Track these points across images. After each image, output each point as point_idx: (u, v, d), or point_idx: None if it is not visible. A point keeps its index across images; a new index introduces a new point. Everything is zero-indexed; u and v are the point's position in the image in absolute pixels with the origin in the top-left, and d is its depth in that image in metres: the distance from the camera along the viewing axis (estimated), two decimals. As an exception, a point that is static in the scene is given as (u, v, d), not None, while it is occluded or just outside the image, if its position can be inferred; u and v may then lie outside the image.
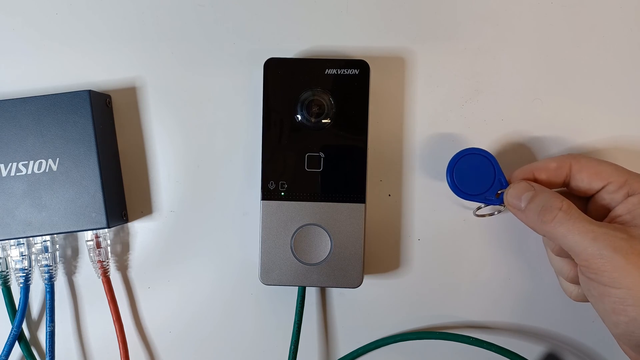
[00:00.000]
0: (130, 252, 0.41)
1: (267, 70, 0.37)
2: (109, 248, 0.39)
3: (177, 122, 0.40)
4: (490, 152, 0.36)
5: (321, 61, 0.37)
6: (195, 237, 0.40)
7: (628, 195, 0.32)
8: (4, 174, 0.37)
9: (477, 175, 0.36)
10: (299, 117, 0.37)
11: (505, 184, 0.35)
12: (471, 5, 0.39)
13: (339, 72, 0.37)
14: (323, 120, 0.37)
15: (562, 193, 0.35)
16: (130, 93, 0.40)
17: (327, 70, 0.37)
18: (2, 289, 0.39)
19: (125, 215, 0.40)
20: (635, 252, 0.29)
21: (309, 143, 0.37)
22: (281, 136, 0.37)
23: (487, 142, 0.39)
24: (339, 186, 0.37)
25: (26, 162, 0.37)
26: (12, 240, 0.38)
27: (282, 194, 0.37)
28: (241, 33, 0.39)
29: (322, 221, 0.37)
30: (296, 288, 0.39)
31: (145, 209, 0.40)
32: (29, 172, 0.37)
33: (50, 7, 0.39)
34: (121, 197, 0.40)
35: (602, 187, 0.33)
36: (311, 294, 0.41)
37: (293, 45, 0.39)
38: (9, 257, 0.39)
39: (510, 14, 0.39)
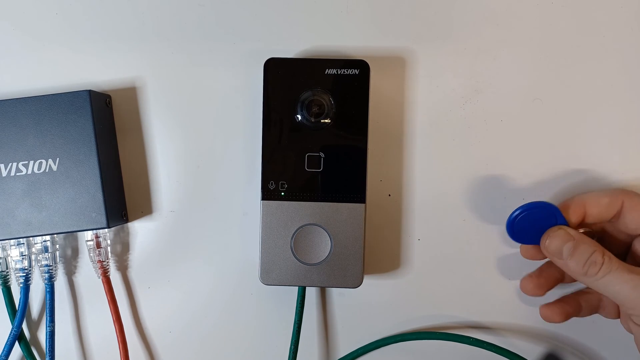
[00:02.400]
0: (130, 252, 0.41)
1: (267, 70, 0.37)
2: (109, 248, 0.39)
3: (177, 122, 0.40)
4: (551, 203, 0.35)
5: (321, 61, 0.37)
6: (195, 237, 0.40)
7: None
8: (4, 174, 0.37)
9: (539, 226, 0.35)
10: (299, 117, 0.37)
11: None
12: (471, 5, 0.39)
13: (339, 72, 0.37)
14: (323, 120, 0.37)
15: (604, 230, 0.36)
16: (130, 93, 0.40)
17: (327, 70, 0.37)
18: (2, 289, 0.39)
19: (125, 215, 0.40)
20: None
21: (309, 143, 0.37)
22: (281, 136, 0.37)
23: (487, 142, 0.39)
24: (339, 186, 0.37)
25: (26, 162, 0.37)
26: (12, 240, 0.38)
27: (282, 194, 0.37)
28: (241, 33, 0.39)
29: (322, 221, 0.37)
30: (296, 288, 0.39)
31: (145, 209, 0.40)
32: (29, 172, 0.37)
33: (50, 7, 0.39)
34: (121, 197, 0.40)
35: None
36: (311, 294, 0.41)
37: (293, 45, 0.39)
38: (9, 257, 0.39)
39: (510, 14, 0.39)
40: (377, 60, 0.38)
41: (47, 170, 0.37)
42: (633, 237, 0.35)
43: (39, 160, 0.37)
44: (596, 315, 0.39)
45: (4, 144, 0.37)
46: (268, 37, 0.39)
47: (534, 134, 0.39)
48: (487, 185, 0.39)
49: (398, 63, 0.39)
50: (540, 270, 0.38)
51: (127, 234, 0.41)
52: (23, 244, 0.39)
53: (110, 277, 0.39)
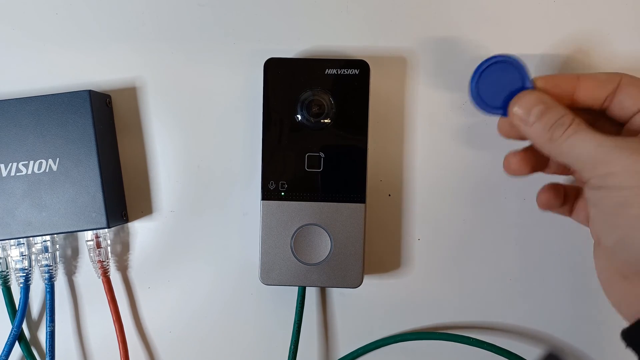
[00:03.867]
0: (130, 252, 0.41)
1: (267, 70, 0.37)
2: (109, 248, 0.39)
3: (177, 122, 0.40)
4: (517, 58, 0.33)
5: (321, 61, 0.37)
6: (195, 237, 0.40)
7: None
8: (4, 174, 0.37)
9: (503, 86, 0.32)
10: (299, 117, 0.37)
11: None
12: (471, 5, 0.39)
13: (339, 72, 0.37)
14: (323, 120, 0.37)
15: (592, 122, 0.32)
16: (130, 93, 0.40)
17: (327, 70, 0.37)
18: (2, 289, 0.39)
19: (125, 215, 0.40)
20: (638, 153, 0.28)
21: (309, 143, 0.37)
22: (281, 136, 0.37)
23: (487, 142, 0.39)
24: (339, 186, 0.37)
25: (26, 162, 0.37)
26: (12, 240, 0.38)
27: (282, 194, 0.37)
28: (241, 33, 0.39)
29: (322, 221, 0.37)
30: (296, 288, 0.39)
31: (145, 209, 0.40)
32: (29, 172, 0.37)
33: (50, 7, 0.39)
34: (121, 197, 0.40)
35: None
36: (311, 294, 0.41)
37: (293, 45, 0.39)
38: (9, 257, 0.39)
39: (510, 14, 0.38)
40: (377, 60, 0.38)
41: (47, 170, 0.37)
42: (625, 122, 0.33)
43: (39, 160, 0.37)
44: (596, 316, 0.39)
45: (4, 144, 0.37)
46: (268, 37, 0.39)
47: (534, 134, 0.39)
48: (487, 185, 0.39)
49: (398, 63, 0.39)
50: (526, 148, 0.36)
51: (127, 234, 0.41)
52: (23, 244, 0.39)
53: (110, 277, 0.39)
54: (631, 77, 0.32)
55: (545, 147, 0.31)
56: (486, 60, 0.33)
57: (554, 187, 0.36)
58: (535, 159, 0.35)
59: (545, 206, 0.36)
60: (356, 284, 0.37)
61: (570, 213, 0.36)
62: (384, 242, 0.40)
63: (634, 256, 0.29)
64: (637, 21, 0.38)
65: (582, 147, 0.30)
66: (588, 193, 0.31)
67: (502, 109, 0.33)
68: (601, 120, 0.33)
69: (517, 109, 0.32)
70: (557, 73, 0.34)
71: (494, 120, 0.39)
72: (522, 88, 0.32)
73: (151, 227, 0.41)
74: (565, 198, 0.36)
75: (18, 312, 0.39)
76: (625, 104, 0.32)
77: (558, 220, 0.38)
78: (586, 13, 0.38)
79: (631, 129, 0.32)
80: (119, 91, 0.40)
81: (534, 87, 0.32)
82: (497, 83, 0.33)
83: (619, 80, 0.32)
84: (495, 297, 0.40)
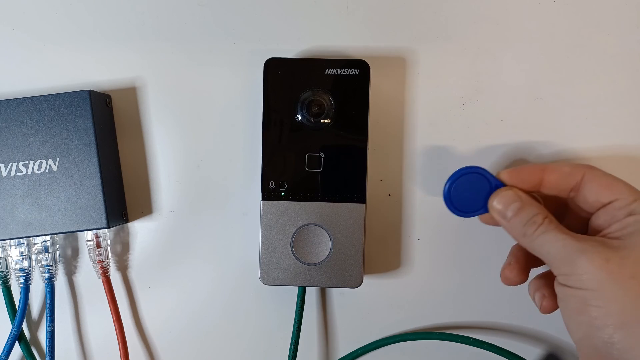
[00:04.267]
0: (130, 252, 0.41)
1: (267, 70, 0.37)
2: (109, 248, 0.39)
3: (177, 122, 0.40)
4: (481, 166, 0.35)
5: (321, 61, 0.37)
6: (195, 237, 0.40)
7: (629, 215, 0.31)
8: (4, 174, 0.37)
9: (475, 192, 0.35)
10: (299, 117, 0.37)
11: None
12: (471, 4, 0.39)
13: (339, 72, 0.37)
14: (323, 120, 0.37)
15: (563, 209, 0.35)
16: (130, 93, 0.40)
17: (327, 70, 0.37)
18: (2, 289, 0.39)
19: (125, 215, 0.40)
20: (602, 256, 0.29)
21: (309, 143, 0.37)
22: (281, 136, 0.37)
23: (487, 142, 0.39)
24: (339, 186, 0.37)
25: (26, 162, 0.37)
26: (12, 240, 0.38)
27: (282, 193, 0.37)
28: (241, 33, 0.39)
29: (322, 221, 0.37)
30: (296, 288, 0.39)
31: (145, 209, 0.40)
32: (29, 172, 0.37)
33: (50, 7, 0.39)
34: (121, 197, 0.40)
35: (609, 203, 0.32)
36: (311, 294, 0.41)
37: (293, 45, 0.39)
38: (9, 257, 0.39)
39: (511, 13, 0.38)
40: (377, 60, 0.38)
41: (47, 170, 0.37)
42: (590, 215, 0.34)
43: (39, 160, 0.37)
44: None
45: (4, 144, 0.37)
46: (268, 37, 0.39)
47: (534, 133, 0.39)
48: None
49: (398, 63, 0.39)
50: (513, 255, 0.37)
51: (127, 234, 0.41)
52: (23, 244, 0.39)
53: (110, 277, 0.39)
54: (594, 170, 0.33)
55: (521, 241, 0.33)
56: (451, 177, 0.35)
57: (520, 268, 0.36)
58: (527, 265, 0.36)
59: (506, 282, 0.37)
60: (356, 284, 0.37)
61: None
62: (384, 242, 0.40)
63: (596, 354, 0.30)
64: (637, 21, 0.38)
65: (550, 246, 0.31)
66: (557, 288, 0.32)
67: (479, 210, 0.35)
68: (575, 205, 0.34)
69: (496, 203, 0.34)
70: (522, 166, 0.35)
71: (494, 119, 0.39)
72: (492, 188, 0.34)
73: (151, 227, 0.41)
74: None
75: (18, 312, 0.39)
76: (589, 200, 0.33)
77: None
78: (586, 13, 0.38)
79: (596, 223, 0.33)
80: (119, 91, 0.40)
81: (503, 185, 0.34)
82: (469, 190, 0.35)
83: (583, 174, 0.33)
84: (495, 297, 0.40)
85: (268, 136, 0.37)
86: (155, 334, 0.42)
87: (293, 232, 0.37)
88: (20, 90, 0.39)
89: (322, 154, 0.37)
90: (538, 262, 0.36)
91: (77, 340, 0.42)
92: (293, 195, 0.37)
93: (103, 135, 0.38)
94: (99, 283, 0.39)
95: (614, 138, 0.39)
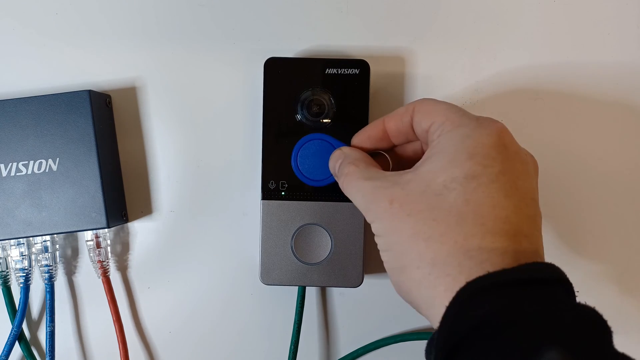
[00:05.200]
0: (130, 252, 0.41)
1: (267, 70, 0.37)
2: (109, 248, 0.39)
3: (177, 122, 0.40)
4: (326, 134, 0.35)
5: (321, 61, 0.37)
6: (195, 237, 0.40)
7: (438, 137, 0.29)
8: (4, 174, 0.37)
9: (323, 159, 0.35)
10: (299, 116, 0.37)
11: None
12: (471, 4, 0.39)
13: (339, 72, 0.37)
14: (323, 120, 0.37)
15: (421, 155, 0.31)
16: (130, 93, 0.40)
17: (327, 70, 0.37)
18: (2, 289, 0.39)
19: (125, 215, 0.40)
20: (387, 199, 0.28)
21: (309, 143, 0.37)
22: (281, 136, 0.37)
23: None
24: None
25: (26, 162, 0.37)
26: (12, 240, 0.38)
27: (283, 193, 0.37)
28: (241, 33, 0.39)
29: (323, 221, 0.37)
30: (296, 288, 0.39)
31: (145, 209, 0.40)
32: (29, 172, 0.37)
33: (50, 6, 0.39)
34: (121, 197, 0.40)
35: (428, 129, 0.30)
36: (311, 294, 0.41)
37: (293, 45, 0.39)
38: (9, 257, 0.39)
39: (510, 13, 0.39)
40: (377, 60, 0.38)
41: (47, 170, 0.37)
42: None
43: (39, 160, 0.37)
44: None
45: (4, 144, 0.37)
46: (268, 37, 0.39)
47: (534, 133, 0.39)
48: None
49: (398, 63, 0.39)
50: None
51: (127, 234, 0.41)
52: (23, 244, 0.39)
53: (110, 277, 0.39)
54: (423, 101, 0.31)
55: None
56: (295, 146, 0.36)
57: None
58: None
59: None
60: (356, 283, 0.37)
61: None
62: (384, 242, 0.40)
63: (399, 293, 0.29)
64: (638, 21, 0.38)
65: (354, 196, 0.31)
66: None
67: (330, 177, 0.35)
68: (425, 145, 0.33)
69: (330, 165, 0.34)
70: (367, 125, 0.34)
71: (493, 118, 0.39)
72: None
73: (151, 227, 0.41)
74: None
75: (18, 312, 0.38)
76: (418, 132, 0.31)
77: (557, 221, 0.38)
78: (586, 13, 0.38)
79: (432, 145, 0.30)
80: (119, 91, 0.40)
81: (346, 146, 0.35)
82: (317, 158, 0.36)
83: (413, 107, 0.31)
84: (495, 297, 0.40)
85: (268, 136, 0.37)
86: (155, 334, 0.42)
87: (293, 231, 0.37)
88: (20, 90, 0.39)
89: (322, 154, 0.37)
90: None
91: (77, 340, 0.42)
92: (293, 195, 0.37)
93: (103, 135, 0.38)
94: (99, 283, 0.39)
95: (614, 138, 0.39)
